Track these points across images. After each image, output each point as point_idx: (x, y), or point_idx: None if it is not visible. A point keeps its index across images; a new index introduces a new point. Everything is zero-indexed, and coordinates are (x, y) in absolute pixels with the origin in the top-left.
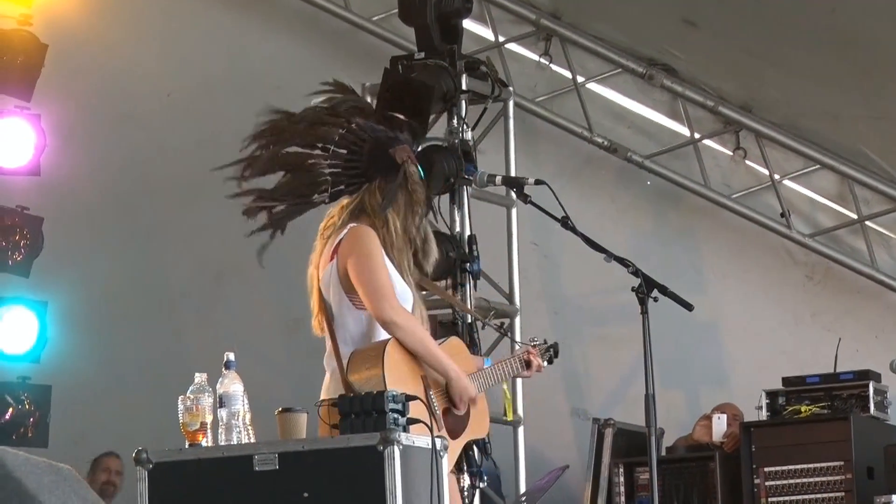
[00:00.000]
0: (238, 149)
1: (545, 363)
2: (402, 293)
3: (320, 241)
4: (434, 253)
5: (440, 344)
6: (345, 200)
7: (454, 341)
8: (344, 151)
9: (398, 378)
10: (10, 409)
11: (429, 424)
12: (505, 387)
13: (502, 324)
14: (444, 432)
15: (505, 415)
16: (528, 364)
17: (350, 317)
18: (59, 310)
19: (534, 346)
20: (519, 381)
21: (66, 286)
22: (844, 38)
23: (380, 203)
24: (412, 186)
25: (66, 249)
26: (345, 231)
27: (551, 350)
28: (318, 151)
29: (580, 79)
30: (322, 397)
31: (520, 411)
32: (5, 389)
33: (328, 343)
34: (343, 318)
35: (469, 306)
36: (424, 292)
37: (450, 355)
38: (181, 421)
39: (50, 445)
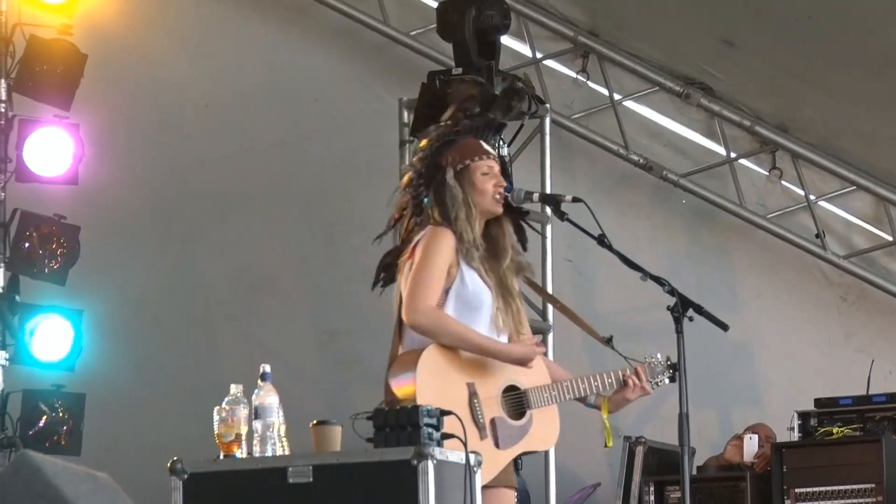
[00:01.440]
0: (273, 159)
1: (665, 380)
2: (476, 298)
3: (404, 244)
4: (506, 254)
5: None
6: None
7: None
8: (422, 169)
9: (434, 387)
10: (44, 417)
11: (463, 440)
12: (604, 415)
13: (610, 338)
14: (485, 442)
15: (606, 443)
16: (625, 383)
17: None
18: (95, 318)
19: (644, 364)
20: None
21: (101, 295)
22: (883, 59)
23: (430, 215)
24: (451, 193)
25: (103, 258)
26: (423, 232)
27: (674, 368)
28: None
29: (617, 96)
30: None
31: None
32: (39, 397)
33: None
34: None
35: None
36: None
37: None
38: (216, 432)
39: (83, 453)
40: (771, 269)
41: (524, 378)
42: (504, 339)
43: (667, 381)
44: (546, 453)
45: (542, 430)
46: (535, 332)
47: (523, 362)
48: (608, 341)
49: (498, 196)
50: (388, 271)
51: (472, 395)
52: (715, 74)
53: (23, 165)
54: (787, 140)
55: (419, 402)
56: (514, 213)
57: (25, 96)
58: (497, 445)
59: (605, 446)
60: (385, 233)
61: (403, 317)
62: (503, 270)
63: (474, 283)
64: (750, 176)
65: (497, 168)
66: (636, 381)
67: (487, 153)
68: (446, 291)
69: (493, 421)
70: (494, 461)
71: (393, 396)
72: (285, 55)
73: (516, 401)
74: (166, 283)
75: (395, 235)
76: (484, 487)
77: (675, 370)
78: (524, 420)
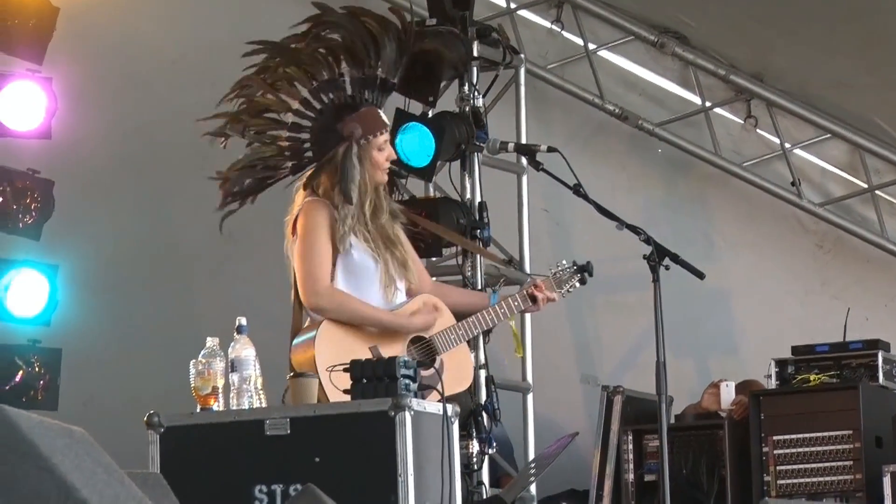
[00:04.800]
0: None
1: (576, 284)
2: (361, 265)
3: (291, 213)
4: (384, 207)
5: (401, 307)
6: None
7: (420, 300)
8: (304, 121)
9: (336, 357)
10: (20, 372)
11: (441, 392)
12: (512, 323)
13: (510, 259)
14: None
15: (515, 351)
16: (532, 298)
17: None
18: (70, 273)
19: (549, 276)
20: (528, 346)
21: (76, 249)
22: (856, 7)
23: (320, 182)
24: (347, 164)
25: (77, 212)
26: (299, 206)
27: (584, 271)
28: (288, 115)
29: (591, 46)
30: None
31: (529, 378)
32: (15, 352)
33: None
34: None
35: (480, 266)
36: (434, 259)
37: (415, 312)
38: (192, 385)
39: (59, 408)
40: (747, 217)
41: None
42: (400, 291)
43: (577, 284)
44: (524, 402)
45: (455, 372)
46: (512, 283)
47: (426, 329)
48: (508, 262)
49: (387, 167)
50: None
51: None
52: (689, 23)
53: None
54: (762, 88)
55: (319, 368)
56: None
57: None
58: None
59: (515, 353)
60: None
61: (303, 300)
62: (381, 225)
63: (358, 251)
64: (725, 125)
65: (388, 137)
66: (545, 294)
67: (386, 126)
68: (332, 262)
69: None
70: None
71: (292, 365)
72: (255, 8)
73: (426, 349)
74: (141, 237)
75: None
76: None
77: (585, 271)
78: (436, 367)
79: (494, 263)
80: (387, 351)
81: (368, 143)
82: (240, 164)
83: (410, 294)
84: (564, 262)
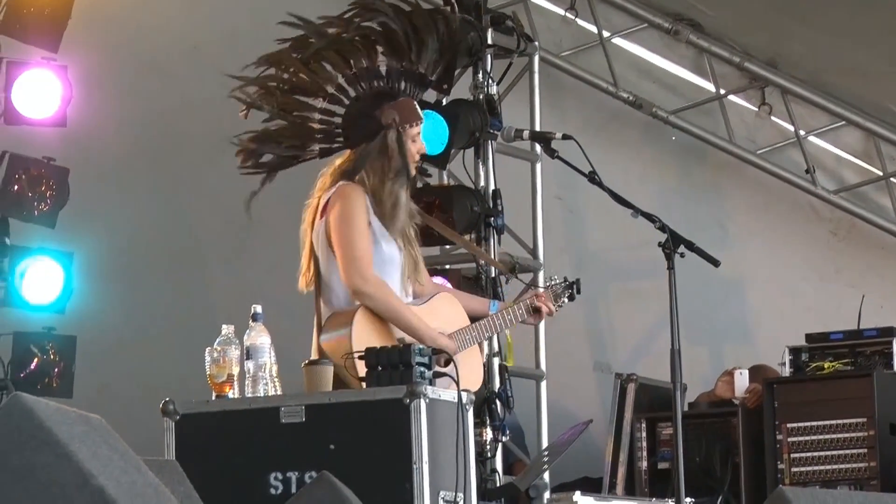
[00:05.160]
0: None
1: (565, 300)
2: (389, 257)
3: (314, 198)
4: (399, 220)
5: (425, 302)
6: (338, 159)
7: (439, 299)
8: (336, 107)
9: (368, 344)
10: (35, 360)
11: (455, 379)
12: (508, 332)
13: (532, 277)
14: None
15: (504, 360)
16: (535, 310)
17: (336, 277)
18: (85, 261)
19: (546, 288)
20: (542, 334)
21: (91, 237)
22: None
23: (357, 167)
24: (389, 153)
25: (93, 200)
26: (333, 189)
27: (573, 287)
28: (319, 100)
29: (606, 34)
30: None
31: (542, 365)
32: (30, 340)
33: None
34: (329, 279)
35: (494, 259)
36: (448, 246)
37: (432, 313)
38: (208, 373)
39: (74, 396)
40: (761, 204)
41: (446, 325)
42: (410, 289)
43: (566, 300)
44: (538, 390)
45: (466, 374)
46: (525, 270)
47: (449, 350)
48: (511, 270)
49: (417, 160)
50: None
51: None
52: (704, 10)
53: (11, 108)
54: (777, 76)
55: (357, 364)
56: None
57: (13, 38)
58: None
59: (504, 362)
60: (291, 161)
61: (347, 281)
62: (403, 220)
63: (387, 241)
64: (739, 112)
65: (420, 131)
66: (547, 306)
67: (421, 118)
68: None
69: None
70: None
71: (323, 355)
72: None
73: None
74: (156, 225)
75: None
76: None
77: (573, 288)
78: (449, 367)
79: (508, 252)
80: None
81: (404, 132)
82: (260, 138)
83: (416, 295)
84: (556, 277)
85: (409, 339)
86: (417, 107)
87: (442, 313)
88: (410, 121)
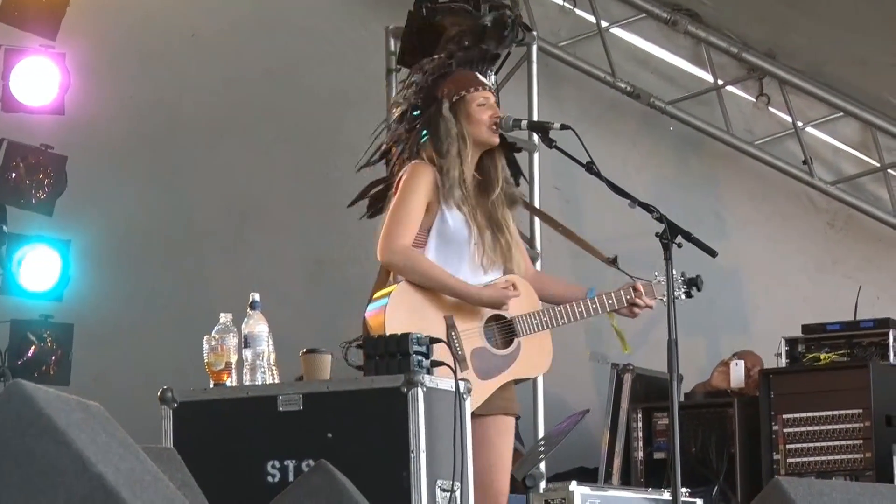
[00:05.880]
0: (260, 88)
1: (682, 296)
2: (454, 234)
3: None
4: (454, 194)
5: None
6: None
7: (503, 277)
8: (416, 103)
9: (404, 319)
10: (33, 347)
11: (452, 367)
12: (614, 322)
13: (614, 258)
14: (466, 374)
15: (623, 349)
16: (633, 303)
17: None
18: (82, 249)
19: (654, 283)
20: None
21: (89, 225)
22: None
23: (422, 146)
24: (448, 125)
25: (90, 188)
26: (405, 168)
27: (692, 284)
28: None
29: (604, 24)
30: None
31: None
32: (28, 327)
33: None
34: None
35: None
36: None
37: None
38: (206, 361)
39: (71, 383)
40: (759, 195)
41: (511, 306)
42: (492, 275)
43: (682, 297)
44: (534, 381)
45: (531, 357)
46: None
47: (494, 306)
48: (613, 261)
49: (494, 127)
50: (379, 202)
51: (451, 327)
52: (702, 1)
53: (9, 95)
54: (775, 66)
55: (388, 333)
56: (507, 147)
57: (11, 26)
58: (479, 376)
59: (624, 352)
60: (370, 163)
61: (380, 258)
62: (492, 203)
63: (455, 220)
64: (737, 103)
65: (493, 99)
66: (645, 301)
67: (483, 84)
68: (427, 230)
69: (473, 352)
70: (478, 391)
71: (366, 328)
72: None
73: (505, 329)
74: (154, 213)
75: (387, 166)
76: (479, 416)
77: (694, 285)
78: (511, 348)
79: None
80: (461, 324)
81: (462, 98)
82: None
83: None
84: (674, 272)
85: (463, 314)
86: (477, 75)
87: (520, 294)
88: (466, 87)
